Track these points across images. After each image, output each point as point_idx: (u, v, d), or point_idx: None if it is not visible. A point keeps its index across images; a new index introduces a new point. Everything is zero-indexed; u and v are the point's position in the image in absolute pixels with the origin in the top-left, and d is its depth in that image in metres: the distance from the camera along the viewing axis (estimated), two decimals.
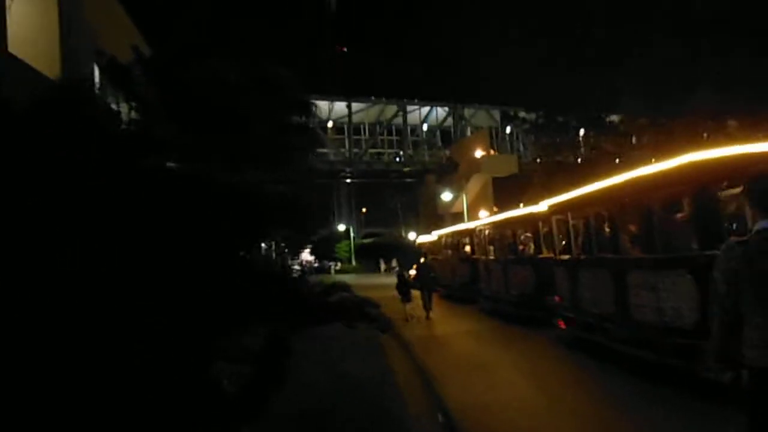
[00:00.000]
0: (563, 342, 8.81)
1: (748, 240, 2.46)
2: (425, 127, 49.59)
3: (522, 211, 12.67)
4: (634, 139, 25.58)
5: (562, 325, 8.87)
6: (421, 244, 27.65)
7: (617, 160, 22.66)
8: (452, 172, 45.94)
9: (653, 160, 7.06)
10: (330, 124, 46.34)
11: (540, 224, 10.82)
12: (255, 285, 7.01)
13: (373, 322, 9.76)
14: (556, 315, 9.13)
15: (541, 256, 10.96)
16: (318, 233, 31.60)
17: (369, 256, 45.57)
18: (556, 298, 9.16)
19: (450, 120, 49.18)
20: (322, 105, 46.89)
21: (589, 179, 7.79)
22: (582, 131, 29.86)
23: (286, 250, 46.69)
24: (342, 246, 54.66)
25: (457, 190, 38.88)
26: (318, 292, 14.56)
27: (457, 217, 35.67)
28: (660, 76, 24.69)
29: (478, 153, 45.72)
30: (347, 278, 37.31)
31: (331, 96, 45.94)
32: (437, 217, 43.04)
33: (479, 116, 49.68)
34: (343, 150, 44.72)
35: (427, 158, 48.84)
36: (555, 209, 9.36)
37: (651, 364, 6.02)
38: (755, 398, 2.43)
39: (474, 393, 6.34)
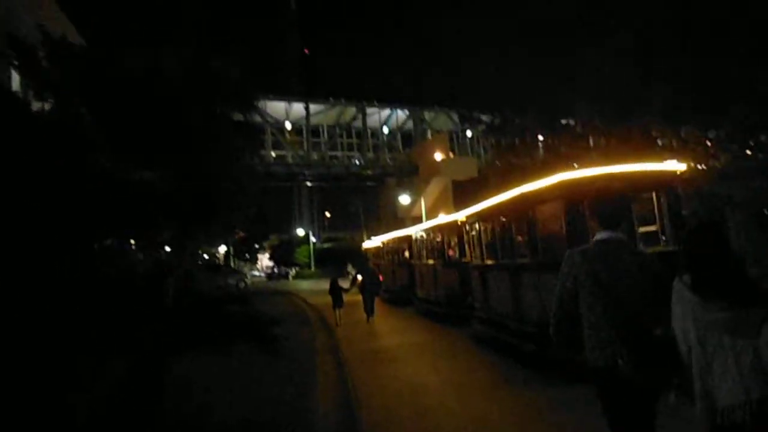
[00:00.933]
0: (476, 338, 10.10)
1: (588, 248, 2.93)
2: (385, 129, 49.20)
3: (448, 218, 13.57)
4: (591, 142, 25.53)
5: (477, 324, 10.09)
6: (366, 249, 28.43)
7: (574, 164, 22.44)
8: (412, 176, 45.58)
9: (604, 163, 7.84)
10: (288, 126, 45.41)
11: (463, 231, 11.68)
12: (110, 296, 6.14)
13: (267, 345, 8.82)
14: (472, 315, 10.31)
15: (464, 260, 11.83)
16: (267, 237, 30.68)
17: (329, 262, 44.83)
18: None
19: (410, 123, 48.81)
20: (279, 106, 46.20)
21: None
22: (539, 135, 29.75)
23: (247, 256, 45.54)
24: (302, 251, 53.82)
25: (417, 194, 38.47)
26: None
27: (417, 221, 35.30)
28: (615, 80, 24.63)
29: (438, 156, 45.66)
30: (304, 284, 36.52)
31: (289, 96, 45.13)
32: (398, 220, 42.60)
33: (440, 119, 49.69)
34: (301, 153, 43.81)
35: (388, 161, 48.36)
36: (469, 218, 10.57)
37: (534, 354, 7.29)
38: (602, 396, 2.78)
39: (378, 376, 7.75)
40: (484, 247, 9.94)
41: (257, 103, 15.60)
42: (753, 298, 2.24)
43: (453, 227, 12.52)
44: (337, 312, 13.77)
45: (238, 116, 16.17)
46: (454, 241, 12.72)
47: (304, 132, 45.77)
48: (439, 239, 13.92)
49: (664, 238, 7.45)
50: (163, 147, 10.39)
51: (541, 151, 32.59)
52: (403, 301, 17.12)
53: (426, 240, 15.28)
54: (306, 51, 53.04)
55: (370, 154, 48.64)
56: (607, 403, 2.75)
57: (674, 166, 7.62)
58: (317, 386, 7.24)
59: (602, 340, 2.69)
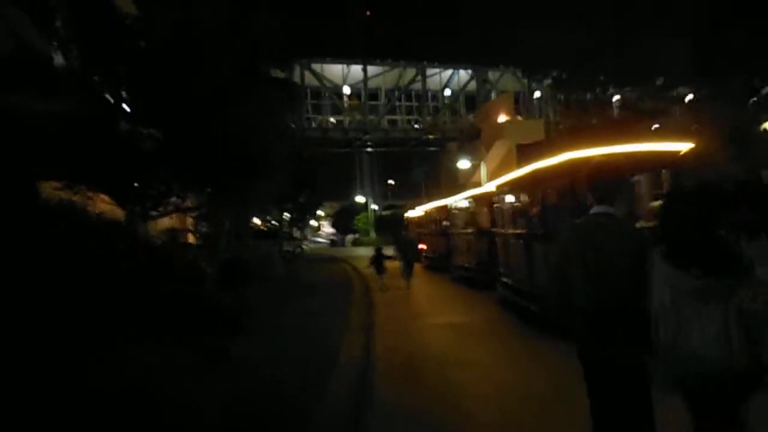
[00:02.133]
0: (499, 301, 11.23)
1: (580, 222, 3.16)
2: (447, 92, 46.83)
3: (480, 189, 14.86)
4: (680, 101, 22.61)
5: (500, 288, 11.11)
6: (409, 219, 29.45)
7: (655, 126, 20.09)
8: (475, 140, 43.35)
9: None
10: (347, 90, 44.28)
11: (493, 202, 12.40)
12: None
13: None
14: (498, 279, 11.27)
15: (494, 230, 12.40)
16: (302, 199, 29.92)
17: (388, 228, 44.04)
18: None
19: (473, 84, 46.18)
20: (337, 69, 45.09)
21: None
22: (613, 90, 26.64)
23: (299, 224, 45.65)
24: (361, 218, 53.26)
25: (479, 159, 36.41)
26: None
27: (479, 187, 33.48)
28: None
29: (502, 118, 42.82)
30: (362, 251, 36.14)
31: (347, 59, 43.61)
32: (459, 187, 40.65)
33: (505, 80, 46.81)
34: (359, 117, 42.54)
35: (449, 125, 46.25)
36: (499, 189, 11.44)
37: (539, 313, 8.28)
38: (587, 377, 2.87)
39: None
40: (507, 217, 10.93)
41: (298, 60, 14.74)
42: (726, 267, 2.30)
43: (485, 198, 13.43)
44: (381, 278, 15.12)
45: (278, 73, 14.88)
46: (486, 211, 13.63)
47: (362, 96, 44.35)
48: (472, 209, 15.09)
49: None
50: (179, 102, 9.42)
51: (615, 109, 29.57)
52: (441, 268, 18.28)
53: (461, 210, 16.29)
54: (369, 14, 51.15)
55: (430, 118, 46.59)
56: (592, 386, 2.83)
57: (677, 146, 8.30)
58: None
59: (587, 318, 2.80)
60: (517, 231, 10.11)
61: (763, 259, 2.37)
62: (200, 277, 10.37)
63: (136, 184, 9.35)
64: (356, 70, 45.35)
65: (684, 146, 8.24)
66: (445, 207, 18.51)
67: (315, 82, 44.25)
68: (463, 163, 34.29)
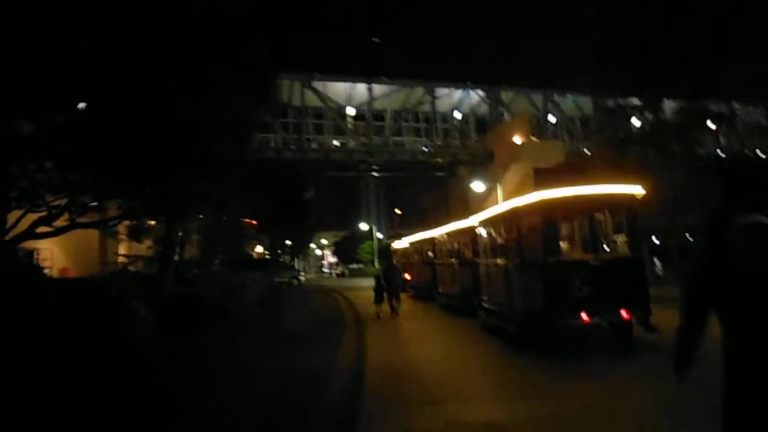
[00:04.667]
0: (481, 326, 12.30)
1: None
2: (457, 114, 44.03)
3: (463, 223, 15.46)
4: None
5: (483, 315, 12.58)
6: (395, 249, 29.60)
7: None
8: (487, 163, 40.21)
9: None
10: (351, 111, 41.49)
11: (476, 234, 13.55)
12: None
13: None
14: (479, 306, 12.75)
15: (477, 260, 13.65)
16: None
17: (389, 258, 40.41)
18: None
19: (485, 107, 43.30)
20: (341, 89, 42.50)
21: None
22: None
23: (287, 252, 42.21)
24: (365, 247, 49.87)
25: (492, 183, 33.07)
26: None
27: None
28: None
29: (518, 139, 39.71)
30: (365, 282, 32.84)
31: (352, 77, 40.89)
32: (470, 214, 36.98)
33: (519, 102, 43.79)
34: (364, 139, 39.60)
35: (459, 147, 43.29)
36: (480, 223, 12.84)
37: (516, 334, 9.86)
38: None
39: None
40: (489, 248, 12.21)
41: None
42: None
43: (468, 231, 14.54)
44: (378, 307, 15.71)
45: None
46: (469, 243, 14.70)
47: (367, 116, 41.53)
48: (456, 241, 16.18)
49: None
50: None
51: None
52: (427, 296, 19.31)
53: (446, 241, 17.48)
54: (375, 40, 48.78)
55: (439, 141, 43.66)
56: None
57: (634, 189, 9.62)
58: None
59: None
60: (497, 261, 11.39)
61: None
62: (127, 322, 7.07)
63: None
64: (361, 90, 42.64)
65: (639, 190, 9.67)
66: (431, 239, 19.95)
67: (317, 102, 41.49)
68: (478, 186, 30.92)
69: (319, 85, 41.73)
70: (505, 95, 47.61)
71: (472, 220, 13.71)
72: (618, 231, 9.86)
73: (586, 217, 9.78)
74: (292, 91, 41.70)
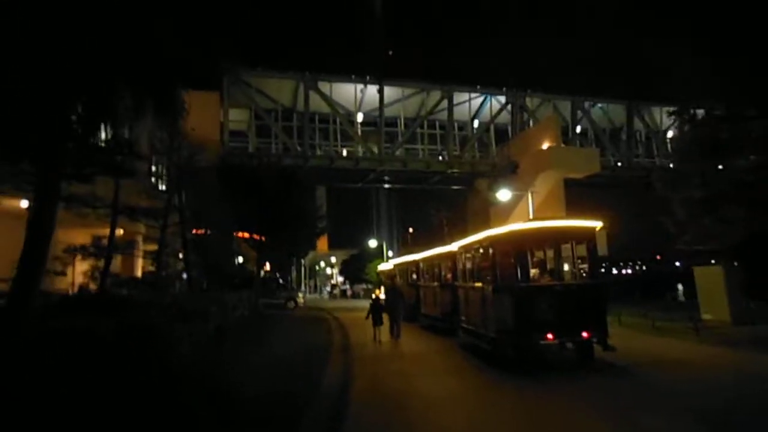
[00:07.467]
0: (460, 345, 13.47)
1: None
2: (476, 123, 39.96)
3: (445, 248, 16.24)
4: None
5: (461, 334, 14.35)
6: (381, 272, 30.19)
7: None
8: (510, 176, 35.90)
9: None
10: (360, 117, 37.69)
11: (456, 259, 14.63)
12: None
13: None
14: (459, 326, 14.32)
15: (457, 283, 14.77)
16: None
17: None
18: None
19: (507, 116, 39.07)
20: (349, 91, 38.83)
21: None
22: None
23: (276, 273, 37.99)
24: (373, 266, 45.71)
25: (520, 193, 28.96)
26: None
27: None
28: None
29: (546, 145, 35.46)
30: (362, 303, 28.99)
31: (363, 78, 37.04)
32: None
33: (544, 110, 39.59)
34: (374, 148, 35.68)
35: (478, 157, 39.27)
36: (460, 249, 13.73)
37: (489, 351, 11.30)
38: None
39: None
40: (467, 273, 13.33)
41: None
42: None
43: (450, 256, 15.47)
44: (377, 329, 15.52)
45: None
46: (450, 267, 15.66)
47: (378, 123, 37.70)
48: (438, 265, 16.99)
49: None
50: None
51: None
52: (410, 318, 19.25)
53: (429, 265, 18.38)
54: (390, 53, 45.24)
55: (456, 151, 39.55)
56: None
57: (593, 223, 10.84)
58: None
59: None
60: (475, 285, 12.51)
61: None
62: None
63: None
64: (371, 94, 38.87)
65: (597, 223, 11.16)
66: (415, 262, 20.75)
67: (324, 107, 37.72)
68: (504, 195, 26.64)
69: (325, 87, 38.12)
70: (530, 101, 43.63)
71: (453, 246, 14.99)
72: (581, 260, 10.95)
73: (552, 247, 10.92)
74: (297, 93, 38.40)
